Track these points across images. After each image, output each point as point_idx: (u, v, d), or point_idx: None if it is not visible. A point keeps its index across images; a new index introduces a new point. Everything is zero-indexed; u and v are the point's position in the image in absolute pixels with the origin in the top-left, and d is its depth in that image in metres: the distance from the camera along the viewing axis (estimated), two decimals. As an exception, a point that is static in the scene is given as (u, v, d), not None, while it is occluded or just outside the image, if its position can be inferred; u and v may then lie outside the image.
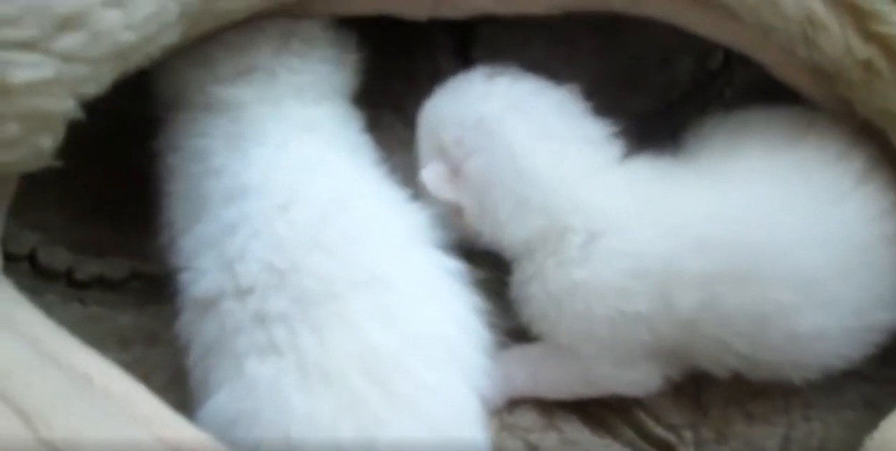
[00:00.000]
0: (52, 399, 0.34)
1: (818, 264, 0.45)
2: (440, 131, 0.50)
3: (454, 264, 0.47)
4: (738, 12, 0.47)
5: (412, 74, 0.64)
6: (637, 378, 0.49)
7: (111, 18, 0.39)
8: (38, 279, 0.54)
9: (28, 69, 0.37)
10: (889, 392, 0.47)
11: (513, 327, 0.50)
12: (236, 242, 0.45)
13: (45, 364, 0.37)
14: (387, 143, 0.55)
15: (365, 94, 0.56)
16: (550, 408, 0.52)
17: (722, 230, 0.46)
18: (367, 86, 0.56)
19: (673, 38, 0.54)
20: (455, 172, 0.50)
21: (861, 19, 0.43)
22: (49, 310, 0.43)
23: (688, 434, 0.52)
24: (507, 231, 0.49)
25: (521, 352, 0.51)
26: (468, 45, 0.65)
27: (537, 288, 0.48)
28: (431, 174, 0.49)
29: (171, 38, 0.44)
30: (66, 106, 0.40)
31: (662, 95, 0.65)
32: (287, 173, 0.47)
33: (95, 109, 0.42)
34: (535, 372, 0.50)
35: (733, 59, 0.62)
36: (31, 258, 0.55)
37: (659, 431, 0.52)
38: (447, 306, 0.46)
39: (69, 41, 0.38)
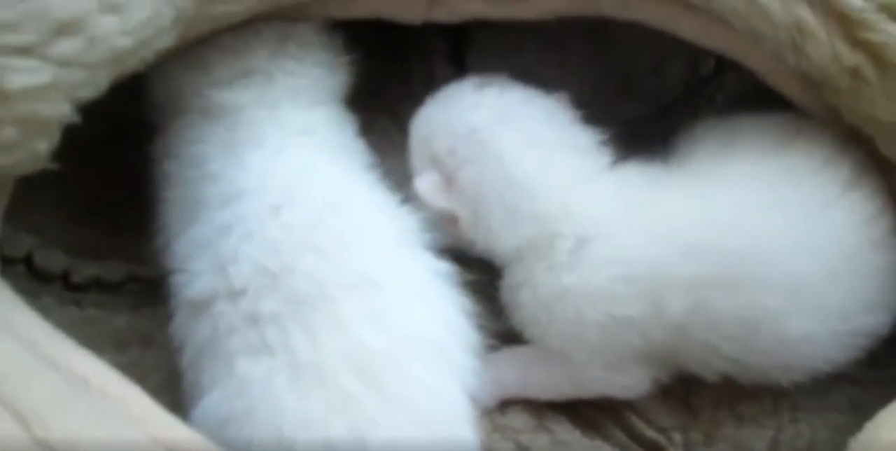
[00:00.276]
0: (49, 402, 0.35)
1: (806, 269, 0.46)
2: (432, 142, 0.51)
3: (444, 267, 0.47)
4: (728, 19, 0.47)
5: (407, 79, 0.64)
6: (627, 382, 0.50)
7: (108, 24, 0.40)
8: (34, 282, 0.55)
9: (25, 75, 0.37)
10: (875, 395, 0.46)
11: (503, 330, 0.51)
12: (230, 243, 0.45)
13: (42, 367, 0.37)
14: (381, 147, 0.55)
15: (360, 98, 0.56)
16: (541, 409, 0.52)
17: (711, 236, 0.46)
18: (362, 90, 0.56)
19: (665, 44, 0.54)
20: (448, 180, 0.50)
21: (848, 27, 0.43)
22: (46, 312, 0.43)
23: (677, 436, 0.52)
24: (499, 239, 0.49)
25: (512, 354, 0.51)
26: (462, 50, 0.65)
27: (528, 294, 0.49)
28: (425, 183, 0.50)
29: (166, 42, 0.44)
30: (62, 110, 0.40)
31: (654, 100, 0.65)
32: (282, 177, 0.47)
33: (92, 112, 0.42)
34: (525, 374, 0.51)
35: (725, 66, 0.63)
36: (28, 261, 0.55)
37: (649, 433, 0.52)
38: (437, 308, 0.46)
39: (66, 47, 0.39)
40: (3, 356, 0.36)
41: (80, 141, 0.42)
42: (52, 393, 0.35)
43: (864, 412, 0.44)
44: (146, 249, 0.51)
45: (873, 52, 0.43)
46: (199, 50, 0.50)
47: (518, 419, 0.52)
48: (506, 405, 0.52)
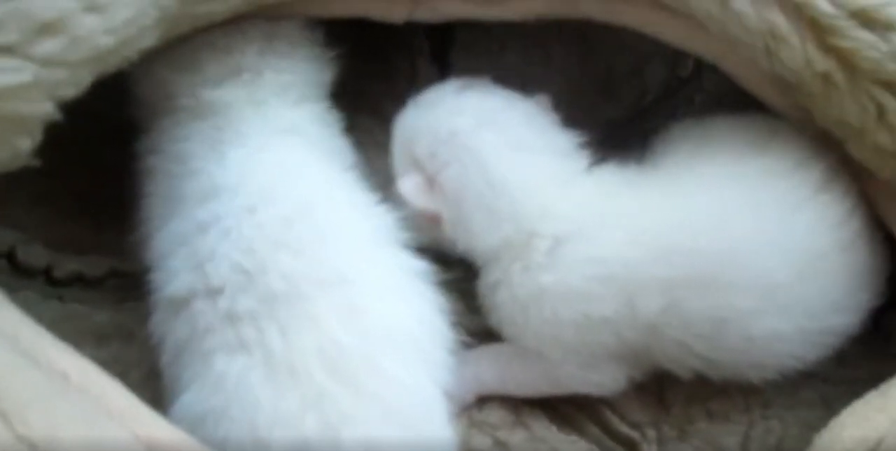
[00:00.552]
0: (30, 398, 0.35)
1: (777, 270, 0.46)
2: (414, 145, 0.51)
3: (421, 266, 0.47)
4: (705, 23, 0.48)
5: (390, 78, 0.65)
6: (602, 379, 0.50)
7: (90, 23, 0.40)
8: (16, 277, 0.55)
9: (7, 74, 0.38)
10: (844, 393, 0.46)
11: (479, 327, 0.51)
12: (207, 242, 0.45)
13: (23, 363, 0.37)
14: (364, 145, 0.55)
15: (343, 96, 0.56)
16: (518, 405, 0.53)
17: (685, 237, 0.47)
18: (346, 88, 0.56)
19: (645, 46, 0.55)
20: (430, 182, 0.51)
21: (820, 33, 0.44)
22: (28, 307, 0.43)
23: (651, 432, 0.52)
24: (478, 239, 0.50)
25: (489, 351, 0.51)
26: (445, 49, 0.65)
27: (504, 293, 0.49)
28: (408, 185, 0.50)
29: (149, 41, 0.44)
30: (43, 109, 0.40)
31: (635, 101, 0.66)
32: (261, 175, 0.47)
33: (75, 110, 0.42)
34: (503, 371, 0.51)
35: (703, 67, 0.63)
36: (10, 256, 0.55)
37: (623, 428, 0.52)
38: (413, 305, 0.46)
39: (48, 46, 0.39)
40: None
41: (64, 139, 0.43)
42: (32, 389, 0.35)
43: (833, 409, 0.45)
44: (128, 244, 0.51)
45: (843, 58, 0.44)
46: (188, 51, 0.50)
47: (495, 415, 0.52)
48: (483, 401, 0.52)
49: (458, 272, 0.51)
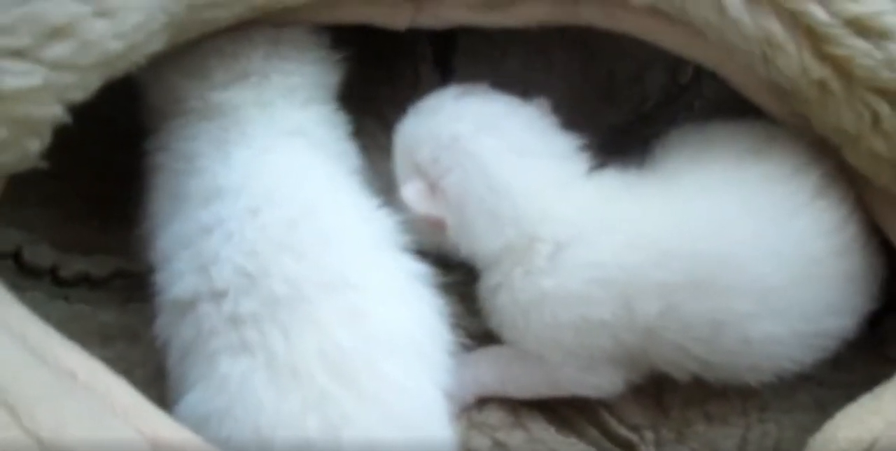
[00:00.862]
0: (37, 394, 0.35)
1: (774, 274, 0.47)
2: (415, 152, 0.52)
3: (421, 268, 0.48)
4: (703, 31, 0.48)
5: (394, 82, 0.65)
6: (600, 382, 0.50)
7: (100, 28, 0.41)
8: (22, 277, 0.55)
9: (18, 77, 0.39)
10: (840, 396, 0.47)
11: (479, 330, 0.52)
12: (211, 244, 0.46)
13: (32, 361, 0.38)
14: (367, 148, 0.56)
15: (347, 100, 0.56)
16: (517, 407, 0.53)
17: (683, 242, 0.47)
18: (350, 93, 0.57)
19: (645, 53, 0.55)
20: (433, 188, 0.51)
21: (816, 41, 0.44)
22: (34, 307, 0.43)
23: (649, 434, 0.53)
24: (481, 243, 0.50)
25: (489, 353, 0.52)
26: (448, 54, 0.66)
27: (505, 297, 0.50)
28: (412, 191, 0.51)
29: (156, 45, 0.45)
30: (53, 112, 0.41)
31: (635, 106, 0.66)
32: (265, 177, 0.48)
33: (84, 114, 0.43)
34: (502, 373, 0.51)
35: (703, 74, 0.64)
36: (17, 256, 0.55)
37: (622, 431, 0.53)
38: (414, 308, 0.47)
39: (59, 50, 0.40)
40: (-5, 352, 0.37)
41: (72, 142, 0.43)
42: (40, 386, 0.36)
43: (828, 412, 0.45)
44: (133, 245, 0.52)
45: (839, 66, 0.44)
46: (197, 58, 0.51)
47: (495, 416, 0.53)
48: (483, 402, 0.53)
49: (458, 276, 0.52)
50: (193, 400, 0.44)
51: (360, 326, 0.44)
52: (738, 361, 0.48)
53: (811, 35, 0.44)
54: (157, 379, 0.47)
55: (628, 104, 0.66)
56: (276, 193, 0.47)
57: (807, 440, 0.44)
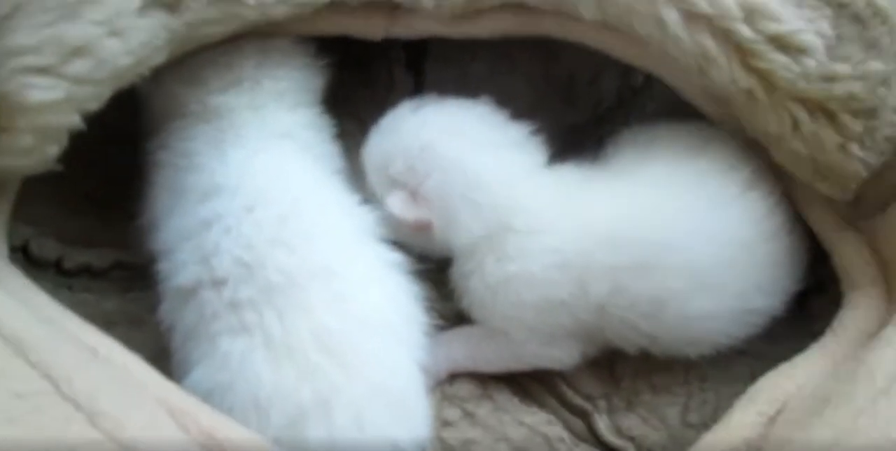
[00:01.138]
0: (71, 365, 0.39)
1: (709, 257, 0.50)
2: (389, 166, 0.54)
3: (397, 257, 0.51)
4: (648, 43, 0.51)
5: (370, 85, 0.68)
6: (560, 355, 0.54)
7: (112, 46, 0.44)
8: (29, 268, 0.57)
9: (43, 91, 0.42)
10: (771, 367, 0.49)
11: (450, 312, 0.55)
12: (210, 237, 0.48)
13: (61, 338, 0.41)
14: (346, 148, 0.59)
15: (328, 103, 0.59)
16: (485, 380, 0.56)
17: (629, 228, 0.51)
18: (331, 96, 0.60)
19: (601, 60, 0.57)
20: (413, 194, 0.53)
21: (744, 56, 0.47)
22: (42, 296, 0.46)
23: (602, 403, 0.56)
24: (463, 234, 0.53)
25: (460, 333, 0.55)
26: (420, 59, 0.68)
27: (477, 281, 0.53)
28: (396, 202, 0.53)
29: (159, 59, 0.49)
30: (72, 120, 0.44)
31: (592, 107, 0.69)
32: (258, 177, 0.51)
33: (89, 118, 0.46)
34: (472, 350, 0.55)
35: (653, 79, 0.64)
36: (25, 249, 0.58)
37: (577, 400, 0.56)
38: (391, 293, 0.50)
39: (79, 66, 0.43)
40: (30, 331, 0.40)
41: (77, 143, 0.46)
42: (73, 359, 0.40)
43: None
44: (132, 238, 0.55)
45: (763, 77, 0.47)
46: (195, 68, 0.54)
47: (465, 389, 0.55)
48: (454, 377, 0.56)
49: (431, 263, 0.54)
50: (198, 377, 0.47)
51: (345, 310, 0.48)
52: (679, 335, 0.52)
53: (739, 50, 0.47)
54: (157, 360, 0.49)
55: (586, 106, 0.69)
56: (268, 191, 0.50)
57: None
